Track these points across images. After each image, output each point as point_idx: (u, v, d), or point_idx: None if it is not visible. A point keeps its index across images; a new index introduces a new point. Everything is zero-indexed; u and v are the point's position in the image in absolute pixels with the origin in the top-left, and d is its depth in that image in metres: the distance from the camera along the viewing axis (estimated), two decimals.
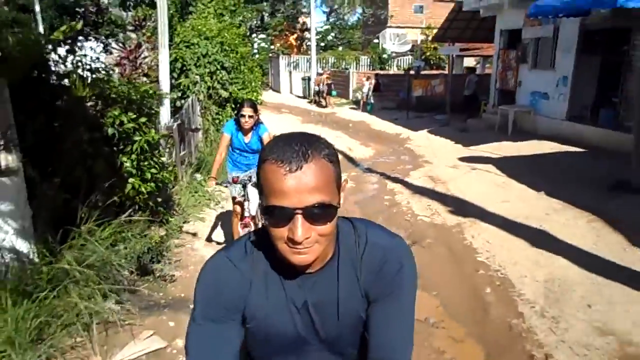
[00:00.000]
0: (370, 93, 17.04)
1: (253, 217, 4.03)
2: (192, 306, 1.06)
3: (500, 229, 5.20)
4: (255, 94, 9.32)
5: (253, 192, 3.96)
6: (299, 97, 22.67)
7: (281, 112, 16.91)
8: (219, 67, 7.96)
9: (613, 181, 6.41)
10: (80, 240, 3.14)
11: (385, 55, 25.24)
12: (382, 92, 17.95)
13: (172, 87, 6.99)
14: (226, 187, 4.22)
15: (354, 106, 18.60)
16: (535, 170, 7.63)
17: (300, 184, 0.89)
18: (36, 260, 2.98)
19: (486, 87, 13.37)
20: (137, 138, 3.78)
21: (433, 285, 4.05)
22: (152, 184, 3.95)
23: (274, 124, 10.58)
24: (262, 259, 1.06)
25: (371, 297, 1.06)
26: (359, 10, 33.79)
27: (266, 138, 4.04)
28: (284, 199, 0.90)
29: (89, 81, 3.57)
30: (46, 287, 2.75)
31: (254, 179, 3.92)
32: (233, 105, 8.33)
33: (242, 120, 3.96)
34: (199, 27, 7.91)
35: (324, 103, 18.88)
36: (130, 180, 3.77)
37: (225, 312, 1.02)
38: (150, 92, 4.05)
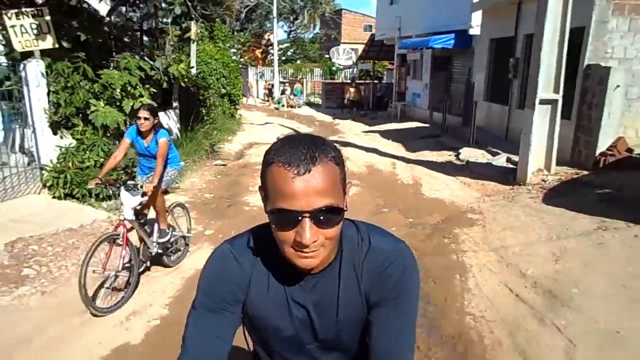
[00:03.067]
0: (287, 95, 24.48)
1: (127, 223, 3.90)
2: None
3: (369, 152, 12.02)
4: (239, 91, 15.94)
5: (126, 196, 3.91)
6: (264, 100, 29.31)
7: (251, 110, 23.46)
8: (221, 76, 14.45)
9: (424, 135, 13.43)
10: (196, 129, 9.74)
11: (334, 68, 32.26)
12: (328, 96, 24.92)
13: None
14: (105, 188, 4.25)
15: (307, 107, 25.46)
16: (396, 134, 14.56)
17: (308, 187, 0.90)
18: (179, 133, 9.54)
19: (391, 91, 20.51)
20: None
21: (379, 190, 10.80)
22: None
23: (247, 117, 17.40)
24: (265, 256, 1.08)
25: (372, 301, 1.07)
26: (316, 30, 41.00)
27: (161, 143, 4.08)
28: (292, 202, 0.90)
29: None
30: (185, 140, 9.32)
31: (129, 182, 4.06)
32: (228, 98, 14.91)
33: (138, 122, 4.03)
34: (210, 51, 14.41)
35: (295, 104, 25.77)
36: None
37: (221, 303, 1.06)
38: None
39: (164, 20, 9.04)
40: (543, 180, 7.07)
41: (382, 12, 20.35)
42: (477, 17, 12.61)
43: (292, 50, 38.74)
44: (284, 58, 36.22)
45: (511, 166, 8.15)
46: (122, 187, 3.94)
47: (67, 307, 3.82)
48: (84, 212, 5.85)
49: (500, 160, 8.65)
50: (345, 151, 11.29)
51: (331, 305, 1.08)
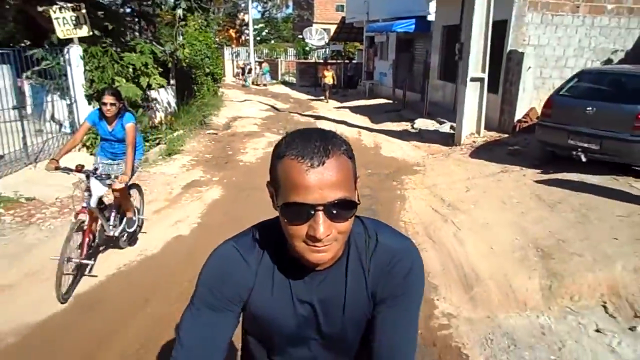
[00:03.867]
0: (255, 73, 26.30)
1: (91, 210, 3.86)
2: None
3: (339, 124, 13.87)
4: (221, 70, 17.53)
5: (96, 185, 3.87)
6: (237, 78, 30.74)
7: (230, 89, 24.97)
8: (205, 57, 15.99)
9: (387, 109, 15.38)
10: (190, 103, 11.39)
11: (307, 48, 33.83)
12: (302, 75, 26.59)
13: None
14: (68, 174, 3.91)
15: (282, 85, 27.10)
16: (364, 109, 16.45)
17: (322, 179, 0.89)
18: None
19: (361, 70, 22.35)
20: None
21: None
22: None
23: (229, 95, 19.03)
24: (271, 252, 1.08)
25: (378, 298, 1.08)
26: (289, 10, 42.33)
27: (129, 128, 4.12)
28: (306, 196, 0.89)
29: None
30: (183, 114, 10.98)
31: (101, 171, 4.09)
32: (212, 77, 16.52)
33: (104, 108, 4.03)
34: (194, 34, 15.92)
35: (260, 82, 27.33)
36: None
37: (225, 302, 1.05)
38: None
39: (162, 6, 10.58)
40: (473, 142, 9.11)
41: None
42: (433, 6, 14.48)
43: (266, 31, 39.99)
44: (258, 38, 37.52)
45: (452, 132, 10.14)
46: (93, 176, 3.89)
47: None
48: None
49: (445, 127, 10.64)
50: (319, 123, 13.15)
51: (338, 303, 1.08)
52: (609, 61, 9.43)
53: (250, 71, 27.66)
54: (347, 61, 26.36)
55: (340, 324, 1.10)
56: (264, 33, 39.91)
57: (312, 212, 0.90)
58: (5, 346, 3.22)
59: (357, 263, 1.08)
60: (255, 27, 37.22)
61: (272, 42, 38.12)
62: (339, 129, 12.41)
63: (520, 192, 6.18)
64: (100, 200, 4.06)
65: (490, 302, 3.88)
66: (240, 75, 29.13)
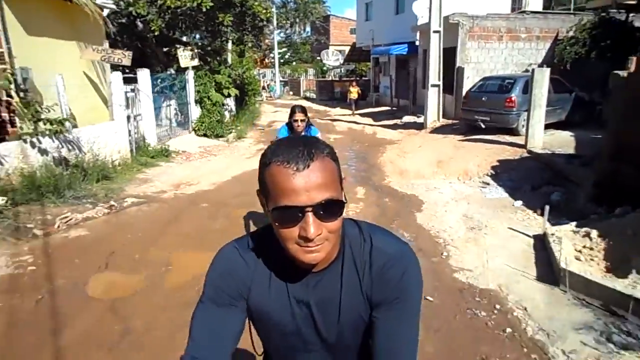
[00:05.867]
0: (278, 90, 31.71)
1: None
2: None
3: (350, 123, 19.07)
4: (258, 88, 22.99)
5: None
6: (267, 96, 36.37)
7: (263, 105, 30.52)
8: (252, 76, 21.41)
9: (387, 113, 20.54)
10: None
11: (324, 68, 39.39)
12: (321, 91, 32.04)
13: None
14: None
15: (303, 99, 32.58)
16: (370, 114, 21.63)
17: (309, 182, 0.95)
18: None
19: (370, 85, 27.67)
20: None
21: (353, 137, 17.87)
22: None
23: (263, 108, 24.51)
24: (267, 255, 1.14)
25: (374, 301, 1.11)
26: (307, 32, 48.13)
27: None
28: (294, 198, 0.95)
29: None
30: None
31: None
32: (253, 93, 21.96)
33: (295, 124, 4.39)
34: (236, 60, 21.37)
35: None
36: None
37: (229, 298, 1.12)
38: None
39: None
40: (434, 126, 14.19)
41: (360, 26, 27.64)
42: (418, 34, 19.68)
43: (288, 54, 45.77)
44: (282, 60, 43.22)
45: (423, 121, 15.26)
46: None
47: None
48: (211, 141, 12.88)
49: (421, 119, 15.72)
50: (336, 124, 18.35)
51: (333, 304, 1.12)
52: (526, 71, 14.45)
53: (279, 90, 33.33)
54: (358, 78, 31.73)
55: (337, 325, 1.13)
56: (286, 56, 45.65)
57: (302, 214, 0.96)
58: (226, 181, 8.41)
59: (352, 265, 1.11)
60: (279, 50, 43.04)
61: (294, 63, 43.82)
62: (350, 126, 17.64)
63: (445, 144, 11.29)
64: None
65: (409, 177, 8.99)
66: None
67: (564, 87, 11.75)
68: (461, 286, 4.46)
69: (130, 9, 12.06)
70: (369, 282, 1.10)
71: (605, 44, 11.72)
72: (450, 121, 14.48)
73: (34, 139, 6.85)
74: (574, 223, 5.52)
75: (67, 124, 7.32)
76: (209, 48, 14.43)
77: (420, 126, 14.92)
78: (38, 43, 7.37)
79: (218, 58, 15.45)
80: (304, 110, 4.52)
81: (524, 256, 5.05)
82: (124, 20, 13.12)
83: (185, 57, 12.57)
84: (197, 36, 15.49)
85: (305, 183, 0.94)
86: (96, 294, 4.26)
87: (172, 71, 13.11)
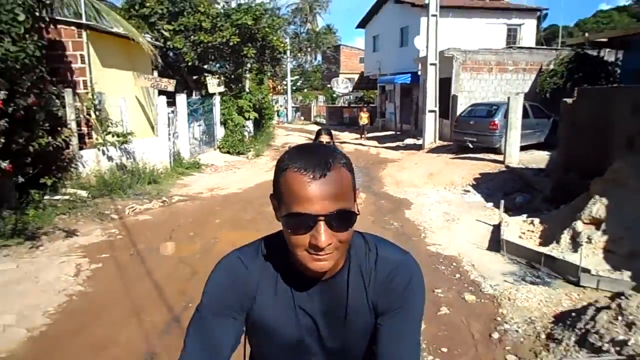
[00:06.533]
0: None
1: None
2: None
3: (357, 145, 20.93)
4: (272, 113, 24.98)
5: None
6: (281, 122, 38.49)
7: (275, 129, 32.56)
8: (268, 102, 23.41)
9: (391, 136, 22.37)
10: None
11: (334, 95, 41.56)
12: (330, 116, 34.05)
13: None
14: None
15: (313, 124, 34.60)
16: (376, 138, 23.47)
17: (324, 191, 0.95)
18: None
19: (376, 111, 29.63)
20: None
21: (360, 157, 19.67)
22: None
23: (276, 131, 26.61)
24: (274, 263, 1.13)
25: (379, 309, 1.12)
26: (318, 60, 50.61)
27: None
28: (308, 206, 0.95)
29: None
30: None
31: None
32: (268, 117, 23.92)
33: None
34: (254, 86, 23.41)
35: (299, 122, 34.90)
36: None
37: (228, 310, 1.10)
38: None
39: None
40: (431, 147, 15.95)
41: (368, 57, 29.80)
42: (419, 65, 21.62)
43: (300, 82, 48.13)
44: (294, 87, 45.53)
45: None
46: None
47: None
48: (233, 157, 14.72)
49: (420, 141, 17.50)
50: (344, 146, 20.17)
51: (339, 314, 1.12)
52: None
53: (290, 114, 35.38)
54: (366, 105, 33.78)
55: (342, 335, 1.13)
56: (298, 83, 48.00)
57: (314, 222, 0.96)
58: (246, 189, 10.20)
59: (357, 275, 1.12)
60: (291, 78, 45.41)
61: (305, 90, 46.12)
62: (357, 148, 19.45)
63: (438, 162, 13.03)
64: None
65: (403, 186, 10.72)
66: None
67: (543, 113, 13.51)
68: (431, 254, 6.15)
69: (169, 43, 14.09)
70: (375, 290, 1.11)
71: (579, 76, 13.50)
72: (445, 143, 16.23)
73: (104, 148, 8.72)
74: (525, 215, 7.20)
75: (129, 137, 9.18)
76: (232, 76, 16.41)
77: (419, 147, 16.68)
78: (107, 73, 9.30)
79: (239, 85, 17.45)
80: (329, 132, 4.54)
81: (482, 237, 6.73)
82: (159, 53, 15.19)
83: (213, 84, 14.53)
84: (219, 65, 17.54)
85: (321, 192, 0.95)
86: (168, 254, 6.00)
87: (199, 96, 15.06)
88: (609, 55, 14.34)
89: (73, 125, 7.96)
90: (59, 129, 7.46)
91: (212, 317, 1.09)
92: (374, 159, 15.79)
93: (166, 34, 14.26)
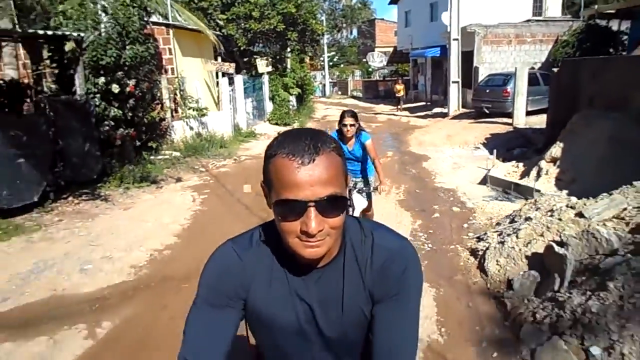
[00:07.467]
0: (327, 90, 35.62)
1: None
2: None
3: (389, 115, 23.08)
4: (313, 88, 27.33)
5: (357, 199, 4.33)
6: (318, 96, 40.76)
7: (315, 103, 34.92)
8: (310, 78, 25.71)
9: (422, 107, 24.37)
10: None
11: (370, 69, 43.41)
12: (366, 90, 36.09)
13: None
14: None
15: (350, 98, 36.73)
16: (409, 108, 25.48)
17: (313, 176, 0.95)
18: None
19: (409, 84, 31.49)
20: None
21: (392, 126, 21.89)
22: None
23: (321, 107, 29.09)
24: (268, 252, 1.14)
25: (376, 296, 1.12)
26: (353, 34, 52.29)
27: (369, 145, 4.47)
28: (297, 192, 0.95)
29: None
30: None
31: (360, 186, 4.59)
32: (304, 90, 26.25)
33: (344, 129, 4.39)
34: (296, 65, 25.72)
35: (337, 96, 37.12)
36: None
37: (225, 299, 1.11)
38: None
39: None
40: (455, 114, 17.97)
41: (401, 31, 31.59)
42: None
43: (337, 57, 50.06)
44: (330, 63, 47.57)
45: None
46: (354, 190, 4.43)
47: None
48: (281, 128, 17.22)
49: (446, 109, 19.52)
50: (379, 116, 22.36)
51: (335, 301, 1.12)
52: (532, 68, 17.96)
53: (328, 89, 37.58)
54: (400, 77, 35.64)
55: (339, 322, 1.13)
56: (335, 59, 49.96)
57: (304, 209, 0.96)
58: None
59: (353, 262, 1.12)
60: (328, 54, 47.43)
61: (342, 65, 48.10)
62: (390, 117, 21.64)
63: (458, 126, 15.14)
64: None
65: (425, 146, 12.96)
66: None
67: None
68: (436, 187, 8.49)
69: (223, 30, 16.60)
70: (371, 277, 1.11)
71: (586, 46, 15.18)
72: (468, 110, 18.22)
73: (187, 120, 11.36)
74: (514, 161, 9.38)
75: (204, 111, 11.79)
76: (277, 57, 18.82)
77: (445, 115, 18.73)
78: (185, 60, 11.89)
79: (283, 64, 19.83)
80: (354, 115, 4.46)
81: (478, 177, 8.97)
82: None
83: (262, 65, 16.98)
84: (265, 47, 19.95)
85: (310, 177, 0.94)
86: (247, 191, 8.55)
87: (250, 76, 17.56)
88: (623, 25, 15.86)
89: (167, 102, 10.61)
90: (160, 105, 10.11)
91: (210, 308, 1.11)
92: (404, 126, 17.98)
93: (220, 22, 16.77)
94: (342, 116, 4.45)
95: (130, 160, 9.21)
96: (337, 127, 4.55)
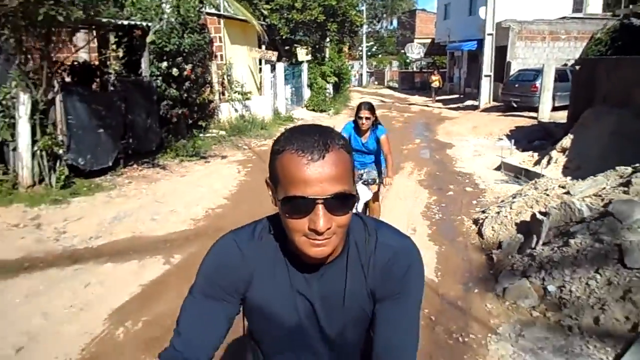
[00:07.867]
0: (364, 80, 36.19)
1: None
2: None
3: (423, 106, 23.82)
4: (349, 77, 28.22)
5: (362, 190, 4.33)
6: (354, 85, 41.59)
7: (351, 92, 35.77)
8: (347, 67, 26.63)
9: (456, 99, 24.95)
10: None
11: (407, 60, 43.84)
12: (403, 81, 36.72)
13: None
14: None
15: (386, 88, 37.40)
16: (443, 100, 26.10)
17: (322, 173, 0.93)
18: None
19: (445, 76, 31.98)
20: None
21: (423, 116, 22.67)
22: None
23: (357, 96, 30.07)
24: (271, 246, 1.12)
25: (378, 296, 1.12)
26: (393, 26, 52.65)
27: (383, 140, 4.44)
28: (306, 189, 0.93)
29: None
30: None
31: (365, 177, 4.57)
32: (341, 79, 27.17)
33: (360, 122, 4.39)
34: (334, 54, 26.64)
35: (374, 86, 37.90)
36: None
37: (221, 293, 1.10)
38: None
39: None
40: (486, 107, 18.60)
41: (440, 24, 32.07)
42: None
43: (375, 48, 50.66)
44: (369, 53, 48.22)
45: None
46: (360, 182, 4.38)
47: None
48: (317, 114, 18.29)
49: (477, 102, 20.14)
50: (412, 107, 23.13)
51: (337, 299, 1.11)
52: (564, 65, 18.38)
53: (365, 79, 38.38)
54: (437, 68, 36.12)
55: (340, 320, 1.13)
56: (373, 49, 50.57)
57: (312, 206, 0.94)
58: None
59: (356, 260, 1.11)
60: (366, 44, 48.06)
61: (380, 56, 48.70)
62: (423, 108, 22.40)
63: (485, 118, 15.85)
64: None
65: (451, 135, 13.79)
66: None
67: None
68: (455, 171, 9.39)
69: (267, 20, 17.71)
70: (374, 276, 1.11)
71: (618, 45, 15.58)
72: (498, 103, 18.81)
73: (232, 103, 12.55)
74: (531, 151, 10.17)
75: (248, 95, 12.96)
76: (317, 46, 19.83)
77: (475, 107, 19.37)
78: (233, 48, 13.06)
79: (322, 54, 20.82)
80: (371, 108, 4.42)
81: (495, 164, 9.81)
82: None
83: (302, 53, 18.02)
84: (305, 36, 20.98)
85: (319, 174, 0.93)
86: None
87: (290, 63, 18.64)
88: None
89: (216, 86, 11.81)
90: (209, 88, 11.32)
91: (205, 300, 1.10)
92: (435, 117, 18.74)
93: (265, 12, 17.87)
94: (359, 108, 4.43)
95: (184, 136, 10.45)
96: (353, 119, 4.59)
